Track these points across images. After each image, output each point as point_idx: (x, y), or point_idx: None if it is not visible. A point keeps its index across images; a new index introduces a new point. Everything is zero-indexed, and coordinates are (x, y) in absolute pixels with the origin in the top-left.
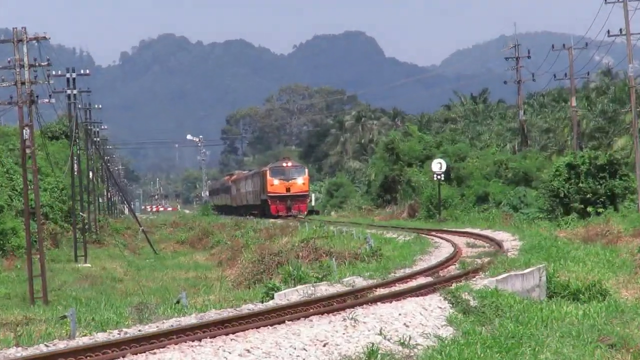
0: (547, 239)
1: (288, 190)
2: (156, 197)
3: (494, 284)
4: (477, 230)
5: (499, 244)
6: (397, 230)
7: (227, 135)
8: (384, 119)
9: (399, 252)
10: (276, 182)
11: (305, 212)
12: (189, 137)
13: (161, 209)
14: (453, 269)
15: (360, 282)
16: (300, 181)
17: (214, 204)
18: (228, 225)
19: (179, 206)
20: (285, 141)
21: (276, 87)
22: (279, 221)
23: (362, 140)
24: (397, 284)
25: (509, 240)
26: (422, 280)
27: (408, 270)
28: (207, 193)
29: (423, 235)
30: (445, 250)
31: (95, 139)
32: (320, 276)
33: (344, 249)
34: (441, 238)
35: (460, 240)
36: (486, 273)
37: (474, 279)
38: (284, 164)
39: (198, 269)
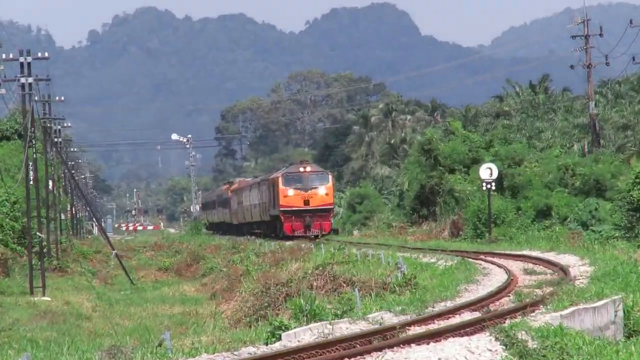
0: (625, 264)
1: (307, 203)
2: (133, 212)
3: (558, 320)
4: (536, 253)
5: (564, 270)
6: (436, 253)
7: (222, 135)
8: (420, 113)
9: (439, 280)
10: (291, 192)
11: (329, 231)
12: (174, 136)
13: (139, 227)
14: (507, 302)
15: (389, 318)
16: (322, 191)
17: (207, 221)
18: (224, 248)
19: (162, 224)
20: (295, 141)
21: (285, 74)
22: (288, 243)
23: (393, 141)
24: (436, 321)
25: (577, 266)
26: (467, 315)
27: (450, 304)
28: (198, 207)
29: (469, 259)
30: (497, 279)
31: (56, 139)
32: (339, 311)
33: (370, 277)
34: (492, 263)
35: (515, 266)
36: (548, 307)
37: (533, 314)
38: (301, 169)
39: (186, 303)
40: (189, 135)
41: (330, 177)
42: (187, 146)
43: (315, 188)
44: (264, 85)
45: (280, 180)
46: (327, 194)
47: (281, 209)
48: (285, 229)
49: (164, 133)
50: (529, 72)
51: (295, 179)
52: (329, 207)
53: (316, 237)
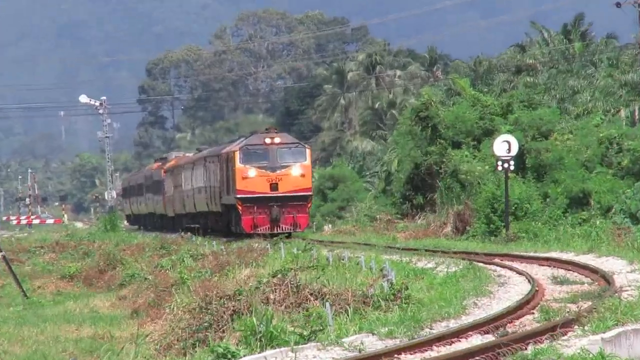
0: None
1: (275, 187)
2: (27, 201)
3: (598, 345)
4: (569, 256)
5: (606, 279)
6: (435, 255)
7: (148, 97)
8: (414, 67)
9: (439, 292)
10: (252, 172)
11: (305, 228)
12: (83, 99)
13: (36, 221)
14: (529, 321)
15: (372, 343)
16: (296, 171)
17: (131, 213)
18: (149, 249)
19: (65, 216)
20: (246, 105)
21: (232, 14)
22: (237, 243)
23: (377, 105)
24: (434, 347)
25: (624, 272)
26: (477, 339)
27: (454, 324)
28: (115, 193)
29: (479, 264)
30: (517, 290)
31: None
32: (305, 333)
33: (346, 287)
34: (510, 269)
35: (541, 273)
36: (585, 328)
37: (565, 337)
38: (267, 140)
39: (98, 323)
40: (103, 97)
41: (307, 151)
42: (101, 112)
43: (287, 167)
44: (204, 29)
45: (237, 155)
46: (303, 175)
47: (238, 195)
48: (243, 224)
49: (69, 94)
50: (560, 13)
51: (259, 153)
52: (305, 193)
53: (288, 235)
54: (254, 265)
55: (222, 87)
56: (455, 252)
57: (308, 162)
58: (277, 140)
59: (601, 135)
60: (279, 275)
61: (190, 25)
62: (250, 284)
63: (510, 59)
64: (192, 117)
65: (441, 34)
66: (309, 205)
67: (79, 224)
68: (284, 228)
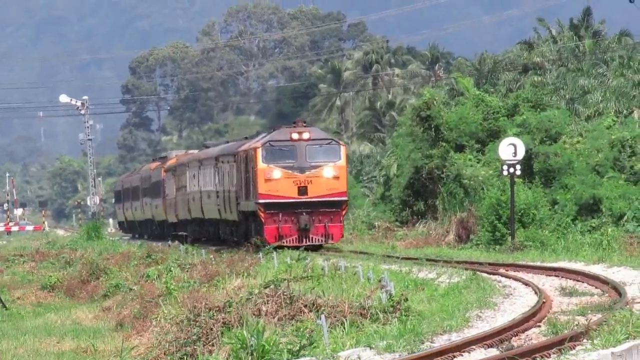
0: None
1: (303, 191)
2: (5, 206)
3: (608, 359)
4: (579, 266)
5: (618, 290)
6: (436, 265)
7: (132, 97)
8: (414, 66)
9: (440, 304)
10: (277, 173)
11: (339, 240)
12: (64, 98)
13: (14, 228)
14: (536, 335)
15: (370, 357)
16: (329, 172)
17: (125, 219)
18: (134, 258)
19: (45, 223)
20: (237, 106)
21: (221, 9)
22: (228, 251)
23: (377, 105)
24: None
25: (636, 283)
26: (480, 354)
27: (456, 337)
28: (98, 200)
29: (483, 274)
30: (523, 302)
31: None
32: (298, 348)
33: (342, 299)
34: (515, 279)
35: (549, 284)
36: (595, 341)
37: (574, 351)
38: (294, 135)
39: (81, 336)
40: (85, 97)
41: (342, 149)
42: (82, 112)
43: (318, 167)
44: (192, 25)
45: (259, 153)
46: (337, 177)
47: (260, 200)
48: (266, 235)
49: (48, 93)
50: (570, 8)
51: (285, 151)
52: (340, 198)
53: (318, 247)
54: (245, 275)
55: (210, 87)
56: (457, 262)
57: (343, 161)
58: (306, 135)
59: (613, 137)
60: (271, 286)
61: (176, 21)
62: (241, 295)
63: (516, 56)
64: (179, 118)
65: (443, 31)
66: (344, 212)
67: (60, 231)
68: (314, 239)
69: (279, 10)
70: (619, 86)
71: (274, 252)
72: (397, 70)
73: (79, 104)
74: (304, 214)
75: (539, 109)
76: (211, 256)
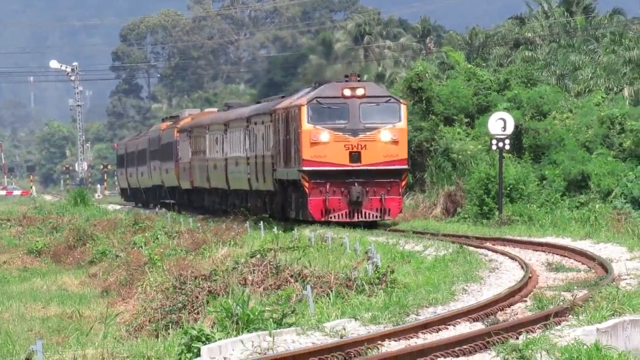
0: None
1: (356, 158)
2: None
3: (593, 336)
4: (566, 241)
5: (604, 266)
6: (423, 238)
7: (122, 64)
8: (405, 39)
9: (426, 277)
10: (325, 136)
11: (397, 215)
12: (53, 64)
13: (1, 192)
14: (522, 310)
15: (355, 328)
16: (386, 136)
17: (128, 186)
18: (121, 225)
19: (33, 188)
20: (227, 75)
21: None
22: (215, 220)
23: (366, 77)
24: (421, 334)
25: (623, 260)
26: (465, 327)
27: (441, 310)
28: (86, 165)
29: (470, 247)
30: (509, 276)
31: None
32: (284, 317)
33: (328, 270)
34: (502, 253)
35: (535, 258)
36: (580, 317)
37: (559, 327)
38: (346, 91)
39: (66, 302)
40: (75, 63)
41: (403, 107)
42: (72, 78)
43: (375, 129)
44: None
45: (303, 111)
46: (395, 142)
47: (305, 167)
48: (311, 208)
49: (38, 59)
50: None
51: (335, 110)
52: (399, 167)
53: (372, 224)
54: (232, 245)
55: (201, 55)
56: (444, 235)
57: (403, 123)
58: (360, 91)
59: (602, 114)
60: (257, 256)
61: None
62: (227, 264)
63: (508, 31)
64: (169, 86)
65: (435, 3)
66: (404, 183)
67: (47, 197)
68: (367, 215)
69: None
70: (610, 63)
71: (261, 223)
72: (388, 43)
73: (69, 69)
74: (356, 184)
75: (529, 85)
76: (198, 224)
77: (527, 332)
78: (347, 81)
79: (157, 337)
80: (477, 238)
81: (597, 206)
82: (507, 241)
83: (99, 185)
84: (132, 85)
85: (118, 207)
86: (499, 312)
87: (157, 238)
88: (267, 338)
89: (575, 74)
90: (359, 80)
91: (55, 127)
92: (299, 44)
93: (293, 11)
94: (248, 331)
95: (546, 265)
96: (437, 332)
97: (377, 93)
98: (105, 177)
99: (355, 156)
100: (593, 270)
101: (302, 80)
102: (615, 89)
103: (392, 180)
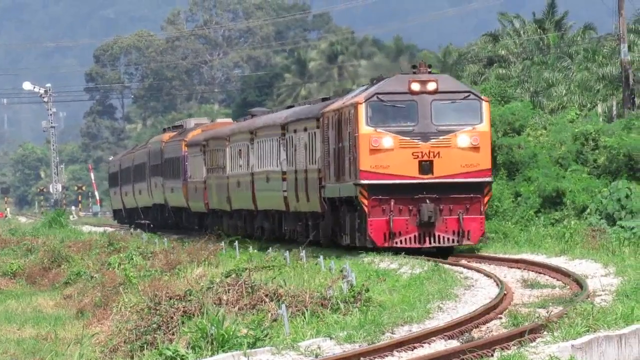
0: None
1: (426, 168)
2: None
3: (568, 352)
4: (541, 258)
5: (579, 283)
6: (397, 256)
7: (96, 85)
8: (379, 57)
9: (402, 295)
10: (388, 141)
11: (479, 239)
12: (27, 86)
13: None
14: (497, 327)
15: (330, 347)
16: (464, 141)
17: (123, 207)
18: (96, 246)
19: (7, 210)
20: (201, 95)
21: None
22: (190, 240)
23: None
24: (395, 352)
25: (598, 276)
26: (440, 345)
27: (417, 328)
28: (60, 187)
29: (445, 265)
30: (484, 293)
31: None
32: (259, 337)
33: (303, 289)
34: (477, 271)
35: (510, 275)
36: (555, 334)
37: (534, 343)
38: (414, 86)
39: (41, 323)
40: (48, 85)
41: (485, 106)
42: (46, 100)
43: (450, 133)
44: (157, 13)
45: (361, 111)
46: (476, 148)
47: (363, 180)
48: (371, 231)
49: (12, 81)
50: (534, 2)
51: (401, 109)
52: (481, 179)
53: (448, 251)
54: (207, 265)
55: (175, 76)
56: (420, 253)
57: (486, 124)
58: (431, 85)
59: (576, 131)
60: (232, 275)
61: (141, 10)
62: (202, 284)
63: (481, 49)
64: (143, 107)
65: (409, 22)
66: (487, 199)
67: (22, 219)
68: (441, 239)
69: (244, 0)
70: (583, 80)
71: (236, 242)
72: (362, 62)
73: (42, 91)
74: (428, 201)
75: (502, 102)
76: (172, 245)
77: (502, 349)
78: (414, 73)
79: (132, 358)
80: (452, 256)
81: (572, 223)
82: (483, 258)
83: (73, 207)
84: (106, 107)
85: (93, 228)
86: (474, 329)
87: (132, 259)
88: (241, 358)
89: (549, 91)
90: (429, 72)
91: (30, 148)
92: (272, 64)
93: (267, 30)
94: (223, 351)
95: (521, 282)
96: (412, 350)
97: (453, 88)
98: (80, 199)
99: (426, 166)
100: (568, 287)
101: (277, 100)
102: (589, 105)
103: (472, 195)
